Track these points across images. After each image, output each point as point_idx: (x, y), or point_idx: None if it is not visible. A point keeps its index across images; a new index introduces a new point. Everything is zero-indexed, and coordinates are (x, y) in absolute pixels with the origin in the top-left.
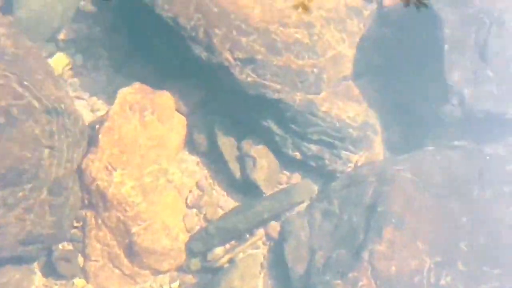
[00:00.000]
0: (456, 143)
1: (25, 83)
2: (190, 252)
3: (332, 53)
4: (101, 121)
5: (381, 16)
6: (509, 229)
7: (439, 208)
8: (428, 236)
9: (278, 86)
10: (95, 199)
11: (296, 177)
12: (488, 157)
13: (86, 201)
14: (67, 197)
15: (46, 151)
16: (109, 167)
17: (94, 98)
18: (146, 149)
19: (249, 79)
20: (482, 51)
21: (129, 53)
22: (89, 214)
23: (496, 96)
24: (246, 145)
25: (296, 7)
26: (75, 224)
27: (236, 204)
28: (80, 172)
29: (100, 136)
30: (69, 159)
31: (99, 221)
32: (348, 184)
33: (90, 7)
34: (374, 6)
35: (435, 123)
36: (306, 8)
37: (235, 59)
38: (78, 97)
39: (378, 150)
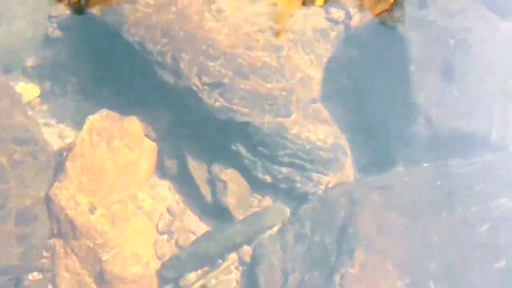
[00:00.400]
0: (425, 164)
1: None
2: (162, 278)
3: (300, 76)
4: (69, 148)
5: (348, 37)
6: (479, 248)
7: (409, 228)
8: (399, 258)
9: (246, 110)
10: (64, 228)
11: (268, 200)
12: (456, 176)
13: (55, 230)
14: (35, 227)
15: (13, 180)
16: (78, 196)
17: (63, 125)
18: (115, 176)
19: (217, 103)
20: (447, 71)
21: (97, 78)
22: (58, 243)
23: (462, 115)
24: (216, 169)
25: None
26: (44, 254)
27: (208, 228)
28: (48, 201)
29: (68, 163)
30: (36, 188)
31: (68, 250)
32: (319, 206)
33: (57, 33)
34: (341, 27)
35: (404, 143)
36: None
37: (202, 84)
38: (47, 124)
39: (349, 171)
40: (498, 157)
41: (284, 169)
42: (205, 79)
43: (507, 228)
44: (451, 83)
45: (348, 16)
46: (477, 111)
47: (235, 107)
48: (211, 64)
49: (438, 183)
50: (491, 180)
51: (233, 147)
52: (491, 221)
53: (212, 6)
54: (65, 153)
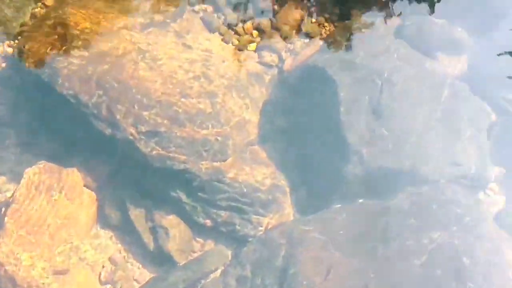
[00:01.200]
0: (360, 200)
1: None
2: None
3: (236, 120)
4: (7, 203)
5: (282, 80)
6: (415, 281)
7: (347, 265)
8: None
9: (183, 157)
10: (4, 284)
11: (210, 244)
12: (390, 212)
13: None
14: None
15: None
16: (17, 251)
17: (3, 178)
18: (55, 229)
19: (154, 152)
20: (376, 110)
21: (35, 130)
22: None
23: (391, 152)
24: (158, 216)
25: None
26: None
27: (152, 276)
28: None
29: (6, 219)
30: None
31: None
32: (259, 248)
33: None
34: (274, 71)
35: (339, 182)
36: None
37: (139, 133)
38: None
39: (288, 211)
40: (429, 191)
41: (223, 213)
42: (141, 128)
43: (442, 261)
44: (380, 121)
45: (281, 60)
46: (405, 148)
47: (172, 155)
48: (146, 113)
49: (373, 219)
50: (424, 214)
51: (173, 194)
52: (426, 254)
53: (147, 55)
54: (3, 209)
